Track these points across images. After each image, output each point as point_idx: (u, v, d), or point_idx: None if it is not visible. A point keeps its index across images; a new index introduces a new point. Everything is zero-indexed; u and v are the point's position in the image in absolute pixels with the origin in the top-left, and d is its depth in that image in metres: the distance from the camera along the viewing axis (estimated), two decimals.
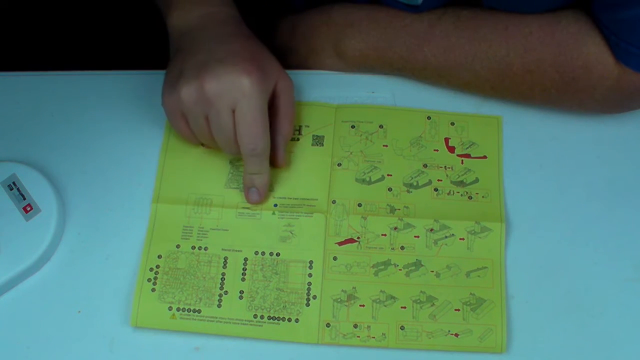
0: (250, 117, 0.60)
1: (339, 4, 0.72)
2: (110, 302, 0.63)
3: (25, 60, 0.95)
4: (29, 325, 0.63)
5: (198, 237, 0.65)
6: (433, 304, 0.63)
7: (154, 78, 0.71)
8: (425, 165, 0.68)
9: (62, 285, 0.64)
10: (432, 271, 0.64)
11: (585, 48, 0.64)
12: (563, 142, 0.70)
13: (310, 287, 0.63)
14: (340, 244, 0.65)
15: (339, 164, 0.68)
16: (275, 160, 0.66)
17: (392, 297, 0.63)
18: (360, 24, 0.70)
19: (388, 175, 0.68)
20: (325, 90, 0.72)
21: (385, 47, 0.69)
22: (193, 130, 0.64)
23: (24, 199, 0.65)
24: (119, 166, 0.69)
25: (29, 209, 0.65)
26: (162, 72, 0.72)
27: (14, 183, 0.65)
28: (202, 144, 0.68)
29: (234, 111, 0.60)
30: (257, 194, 0.65)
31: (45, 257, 0.65)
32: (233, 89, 0.59)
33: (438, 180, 0.68)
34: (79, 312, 0.63)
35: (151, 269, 0.64)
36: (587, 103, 0.67)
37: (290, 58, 0.66)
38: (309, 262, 0.64)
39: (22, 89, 0.72)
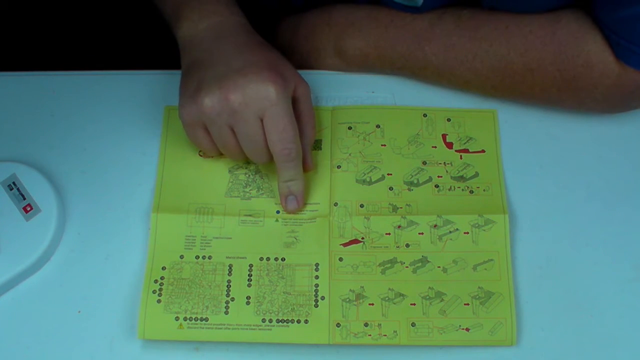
0: (281, 123, 0.60)
1: (339, 4, 0.73)
2: (111, 302, 0.63)
3: (25, 60, 0.95)
4: (28, 325, 0.62)
5: (201, 246, 0.65)
6: (442, 299, 0.63)
7: (155, 78, 0.72)
8: (424, 163, 0.68)
9: (62, 285, 0.64)
10: (439, 267, 0.64)
11: (585, 46, 0.64)
12: (563, 142, 0.71)
13: (318, 288, 0.63)
14: (345, 245, 0.65)
15: (339, 167, 0.68)
16: (303, 165, 0.66)
17: (401, 295, 0.63)
18: (360, 23, 0.71)
19: (388, 174, 0.68)
20: (326, 90, 0.72)
21: (386, 46, 0.70)
22: (216, 141, 0.63)
23: (24, 198, 0.65)
24: (119, 166, 0.69)
25: (29, 208, 0.64)
26: (163, 72, 0.72)
27: (14, 183, 0.65)
28: (201, 154, 0.68)
29: (261, 120, 0.60)
30: (295, 202, 0.65)
31: (45, 257, 0.64)
32: (259, 98, 0.60)
33: (438, 176, 0.68)
34: (79, 312, 0.63)
35: (156, 281, 0.63)
36: (588, 102, 0.68)
37: (291, 58, 0.66)
38: (315, 265, 0.64)
39: (22, 89, 0.72)
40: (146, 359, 0.61)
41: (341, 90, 0.72)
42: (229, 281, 0.63)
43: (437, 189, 0.67)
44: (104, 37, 1.00)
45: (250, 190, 0.68)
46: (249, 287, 0.63)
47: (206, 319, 0.62)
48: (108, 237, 0.66)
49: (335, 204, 0.67)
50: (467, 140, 0.70)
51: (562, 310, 0.63)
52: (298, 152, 0.63)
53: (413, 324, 0.62)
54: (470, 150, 0.69)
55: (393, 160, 0.69)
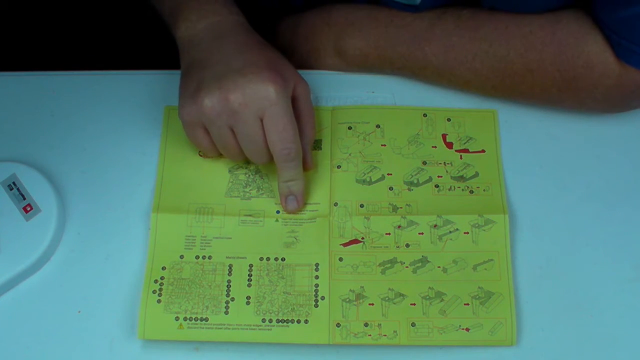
0: (281, 123, 0.60)
1: (339, 4, 0.73)
2: (110, 302, 0.63)
3: (25, 60, 0.95)
4: (28, 325, 0.63)
5: (201, 246, 0.65)
6: (442, 299, 0.63)
7: (154, 78, 0.72)
8: (424, 163, 0.68)
9: (62, 286, 0.64)
10: (439, 267, 0.64)
11: (586, 47, 0.64)
12: (563, 142, 0.70)
13: (318, 288, 0.63)
14: (345, 245, 0.65)
15: (339, 166, 0.68)
16: (303, 164, 0.66)
17: (401, 295, 0.63)
18: (361, 23, 0.71)
19: (388, 174, 0.68)
20: (326, 90, 0.72)
21: (386, 46, 0.70)
22: (215, 141, 0.63)
23: (24, 198, 0.65)
24: (119, 166, 0.69)
25: (29, 209, 0.64)
26: (163, 72, 0.72)
27: (14, 183, 0.65)
28: (201, 154, 0.68)
29: (261, 120, 0.60)
30: (295, 202, 0.65)
31: (45, 257, 0.64)
32: (259, 98, 0.60)
33: (438, 176, 0.68)
34: (79, 312, 0.63)
35: (156, 281, 0.63)
36: (588, 102, 0.68)
37: (291, 58, 0.66)
38: (315, 265, 0.64)
39: (22, 89, 0.72)
40: (146, 359, 0.62)
41: (341, 90, 0.72)
42: (229, 281, 0.63)
43: (437, 189, 0.67)
44: (104, 37, 1.01)
45: (250, 190, 0.67)
46: (249, 287, 0.63)
47: (206, 319, 0.62)
48: (108, 237, 0.66)
49: (335, 204, 0.66)
50: (467, 140, 0.70)
51: (562, 310, 0.63)
52: (298, 151, 0.63)
53: (413, 324, 0.62)
54: (470, 150, 0.69)
55: (393, 160, 0.68)
